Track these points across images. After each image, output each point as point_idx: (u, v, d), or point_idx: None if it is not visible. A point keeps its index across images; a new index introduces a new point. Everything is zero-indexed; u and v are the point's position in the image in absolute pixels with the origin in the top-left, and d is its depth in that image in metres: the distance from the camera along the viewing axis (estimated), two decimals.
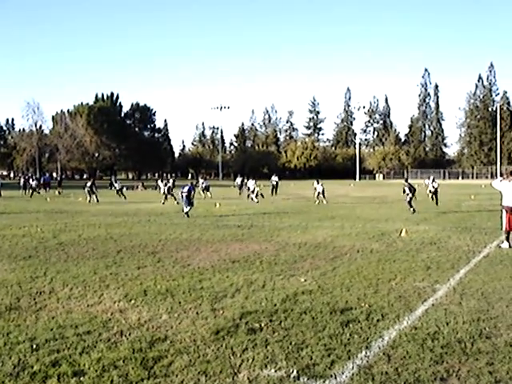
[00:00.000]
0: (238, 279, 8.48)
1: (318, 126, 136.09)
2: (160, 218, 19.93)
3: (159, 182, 38.00)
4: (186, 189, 21.02)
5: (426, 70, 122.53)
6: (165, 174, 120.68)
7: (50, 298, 7.37)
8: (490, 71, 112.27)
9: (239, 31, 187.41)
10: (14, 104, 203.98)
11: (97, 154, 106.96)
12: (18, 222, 18.48)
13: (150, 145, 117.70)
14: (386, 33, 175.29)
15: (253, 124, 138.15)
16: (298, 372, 4.63)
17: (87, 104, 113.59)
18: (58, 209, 25.94)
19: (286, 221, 18.51)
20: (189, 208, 20.60)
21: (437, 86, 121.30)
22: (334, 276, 8.71)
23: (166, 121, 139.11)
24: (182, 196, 21.00)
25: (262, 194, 31.73)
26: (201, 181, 39.72)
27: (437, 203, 26.80)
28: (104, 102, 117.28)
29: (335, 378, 4.54)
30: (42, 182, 50.22)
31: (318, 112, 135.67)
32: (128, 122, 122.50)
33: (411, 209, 21.28)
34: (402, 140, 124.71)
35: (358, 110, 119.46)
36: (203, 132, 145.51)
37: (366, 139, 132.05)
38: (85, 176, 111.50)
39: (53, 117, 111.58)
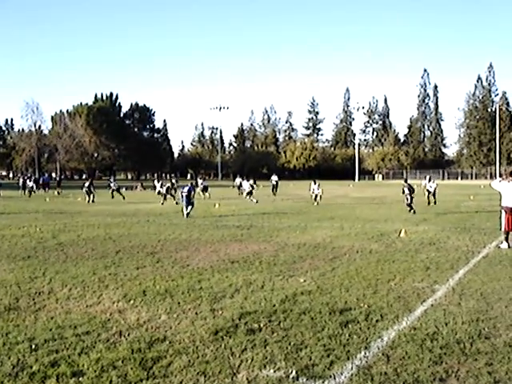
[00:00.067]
0: (237, 280, 8.48)
1: (318, 127, 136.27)
2: (159, 219, 19.92)
3: (155, 182, 38.01)
4: (186, 189, 21.05)
5: (425, 70, 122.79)
6: (164, 175, 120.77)
7: (48, 298, 7.37)
8: (490, 72, 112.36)
9: (239, 31, 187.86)
10: (13, 104, 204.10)
11: (96, 155, 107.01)
12: (17, 222, 18.47)
13: (149, 145, 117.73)
14: (386, 33, 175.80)
15: (252, 124, 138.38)
16: (297, 372, 4.63)
17: (86, 104, 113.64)
18: (57, 209, 25.93)
19: (285, 221, 18.51)
20: (190, 208, 20.62)
21: (436, 87, 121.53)
22: (333, 276, 8.71)
23: (165, 121, 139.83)
24: (182, 196, 21.01)
25: (250, 195, 31.23)
26: (200, 181, 39.72)
27: (435, 202, 26.79)
28: (103, 102, 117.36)
29: (334, 378, 4.54)
30: (41, 182, 50.19)
31: (318, 112, 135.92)
32: (127, 122, 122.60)
33: (411, 210, 21.27)
34: (402, 140, 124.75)
35: (358, 110, 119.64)
36: (202, 132, 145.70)
37: (365, 140, 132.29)
38: (84, 176, 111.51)
39: (52, 117, 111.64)
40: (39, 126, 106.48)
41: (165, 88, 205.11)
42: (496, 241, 12.66)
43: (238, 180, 42.90)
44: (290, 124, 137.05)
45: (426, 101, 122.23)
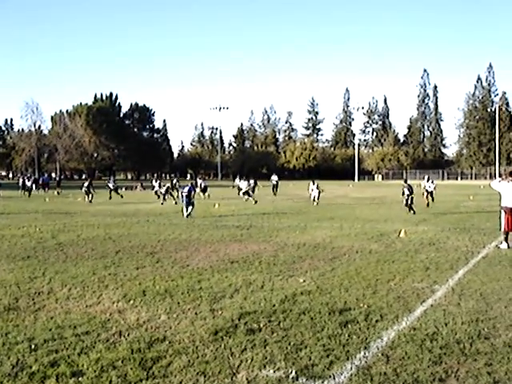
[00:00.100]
0: (237, 280, 8.48)
1: (317, 127, 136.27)
2: (159, 219, 19.92)
3: (153, 181, 38.00)
4: (186, 189, 21.07)
5: (424, 70, 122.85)
6: (163, 175, 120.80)
7: (48, 298, 7.37)
8: (489, 72, 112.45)
9: (239, 31, 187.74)
10: (13, 104, 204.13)
11: (96, 155, 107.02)
12: (17, 222, 18.46)
13: (148, 145, 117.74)
14: (386, 33, 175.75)
15: (252, 124, 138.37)
16: (296, 372, 4.63)
17: (86, 104, 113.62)
18: (56, 209, 25.93)
19: (284, 221, 18.52)
20: (191, 208, 20.64)
21: (436, 87, 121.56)
22: (332, 276, 8.71)
23: (164, 121, 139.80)
24: (183, 196, 21.01)
25: (248, 195, 31.24)
26: (199, 181, 39.73)
27: (432, 200, 26.71)
28: (103, 102, 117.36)
29: (334, 378, 4.54)
30: (40, 182, 50.17)
31: (317, 112, 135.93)
32: (127, 122, 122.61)
33: (411, 211, 21.26)
34: (401, 141, 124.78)
35: (357, 110, 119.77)
36: (202, 132, 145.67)
37: (364, 140, 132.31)
38: (84, 176, 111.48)
39: (52, 117, 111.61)
40: (39, 126, 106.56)
41: (165, 88, 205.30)
42: (495, 241, 12.67)
43: (237, 180, 42.93)
44: (290, 124, 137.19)
45: (426, 101, 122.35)
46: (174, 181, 31.44)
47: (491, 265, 9.72)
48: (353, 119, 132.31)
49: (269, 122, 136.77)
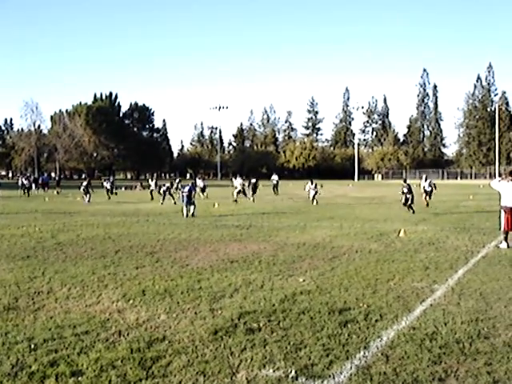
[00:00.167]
0: (237, 279, 8.48)
1: (317, 126, 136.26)
2: (158, 218, 19.92)
3: (149, 180, 37.92)
4: (186, 189, 21.09)
5: (424, 70, 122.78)
6: (163, 175, 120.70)
7: (48, 297, 7.37)
8: (489, 71, 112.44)
9: (239, 31, 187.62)
10: (12, 104, 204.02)
11: (95, 154, 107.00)
12: (17, 222, 18.46)
13: (148, 145, 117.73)
14: (386, 33, 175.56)
15: (251, 124, 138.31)
16: (296, 372, 4.63)
17: (86, 104, 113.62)
18: (56, 209, 25.92)
19: (284, 221, 18.52)
20: (193, 208, 20.66)
21: (435, 87, 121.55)
22: (332, 276, 8.71)
23: (164, 121, 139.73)
24: (183, 196, 21.01)
25: (242, 193, 31.25)
26: (199, 181, 39.71)
27: (429, 198, 26.38)
28: (102, 101, 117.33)
29: (333, 378, 4.54)
30: (40, 181, 50.17)
31: (317, 112, 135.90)
32: (126, 121, 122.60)
33: (410, 210, 21.25)
34: (401, 140, 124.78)
35: (357, 110, 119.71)
36: (202, 132, 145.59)
37: (364, 139, 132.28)
38: (83, 176, 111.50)
39: (51, 117, 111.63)
40: (38, 126, 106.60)
41: (164, 88, 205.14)
42: (495, 240, 12.67)
43: (238, 180, 42.87)
44: (290, 124, 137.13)
45: (426, 100, 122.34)
46: (177, 181, 31.25)
47: (491, 264, 9.72)
48: (352, 119, 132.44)
49: (268, 121, 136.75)
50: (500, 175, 15.92)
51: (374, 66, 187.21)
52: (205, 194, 36.34)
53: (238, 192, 31.56)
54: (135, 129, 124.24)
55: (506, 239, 11.83)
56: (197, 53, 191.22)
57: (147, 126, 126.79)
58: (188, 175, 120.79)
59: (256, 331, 5.78)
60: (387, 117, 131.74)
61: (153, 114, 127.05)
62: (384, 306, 6.75)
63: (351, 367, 4.75)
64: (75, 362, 4.91)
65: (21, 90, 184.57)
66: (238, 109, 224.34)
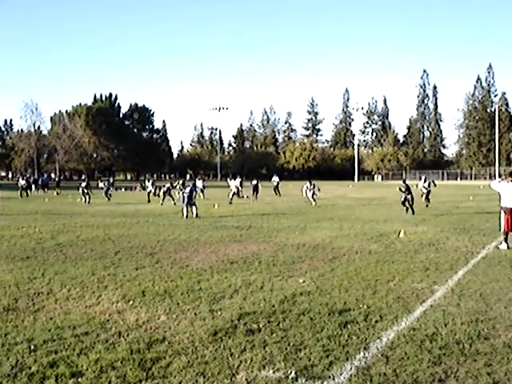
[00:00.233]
0: (237, 280, 8.47)
1: (317, 127, 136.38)
2: (158, 219, 19.92)
3: (146, 182, 37.85)
4: (187, 189, 21.12)
5: (424, 71, 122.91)
6: (163, 175, 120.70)
7: (48, 298, 7.36)
8: (489, 72, 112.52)
9: (239, 31, 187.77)
10: (12, 104, 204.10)
11: (95, 155, 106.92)
12: (16, 223, 18.46)
13: (148, 145, 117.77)
14: (386, 33, 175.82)
15: (251, 125, 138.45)
16: (296, 373, 4.63)
17: (86, 105, 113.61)
18: (56, 209, 25.93)
19: (284, 222, 18.52)
20: (195, 209, 20.66)
21: (435, 87, 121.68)
22: (332, 277, 8.71)
23: (164, 121, 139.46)
24: (184, 197, 21.01)
25: (233, 196, 31.22)
26: (198, 182, 39.71)
27: (428, 200, 26.16)
28: (102, 102, 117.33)
29: (333, 379, 4.54)
30: (40, 182, 50.17)
31: (317, 113, 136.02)
32: (126, 122, 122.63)
33: (409, 211, 21.24)
34: (401, 141, 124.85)
35: (357, 110, 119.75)
36: (202, 133, 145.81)
37: (364, 140, 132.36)
38: (83, 177, 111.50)
39: (51, 117, 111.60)
40: (38, 127, 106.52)
41: (164, 88, 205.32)
42: (495, 241, 12.66)
43: (238, 180, 42.91)
44: (290, 124, 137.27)
45: (426, 101, 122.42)
46: (181, 182, 31.07)
47: (491, 265, 9.71)
48: (352, 119, 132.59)
49: (268, 122, 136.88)
50: (500, 176, 15.92)
51: (373, 66, 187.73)
52: (203, 195, 36.33)
53: (234, 194, 31.57)
54: (135, 130, 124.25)
55: (505, 240, 11.83)
56: (197, 53, 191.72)
57: (147, 127, 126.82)
58: (188, 176, 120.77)
59: (256, 332, 5.77)
60: (387, 117, 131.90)
61: (153, 114, 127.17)
62: (384, 307, 6.75)
63: (351, 368, 4.75)
64: (75, 362, 4.90)
65: (21, 91, 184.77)
66: (238, 110, 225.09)
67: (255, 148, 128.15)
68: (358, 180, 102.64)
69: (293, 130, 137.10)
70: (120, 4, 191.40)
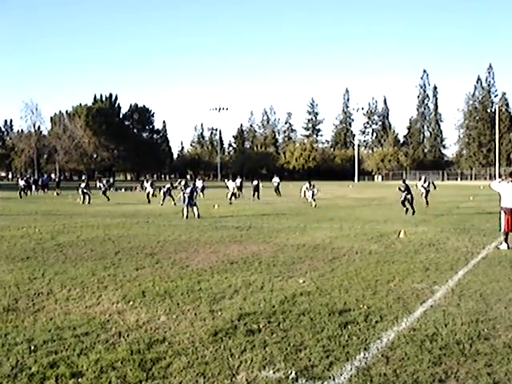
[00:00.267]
0: (237, 280, 8.47)
1: (317, 127, 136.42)
2: (158, 219, 19.92)
3: (145, 182, 37.80)
4: (188, 190, 21.11)
5: (424, 71, 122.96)
6: (163, 176, 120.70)
7: (48, 299, 7.36)
8: (489, 72, 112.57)
9: (239, 31, 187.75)
10: (12, 105, 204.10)
11: (95, 155, 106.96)
12: (16, 223, 18.45)
13: (148, 146, 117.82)
14: (386, 33, 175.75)
15: (251, 125, 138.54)
16: (296, 373, 4.62)
17: (86, 105, 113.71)
18: (56, 210, 25.93)
19: (284, 222, 18.51)
20: (196, 209, 20.66)
21: (435, 88, 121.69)
22: (332, 277, 8.71)
23: (164, 122, 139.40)
24: (185, 197, 21.01)
25: (231, 197, 31.25)
26: (198, 182, 39.74)
27: (426, 202, 26.09)
28: (102, 103, 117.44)
29: (333, 379, 4.54)
30: (40, 183, 50.18)
31: (317, 113, 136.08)
32: (126, 123, 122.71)
33: (408, 211, 21.24)
34: (401, 141, 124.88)
35: (357, 111, 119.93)
36: (202, 133, 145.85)
37: (364, 140, 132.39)
38: (83, 177, 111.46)
39: (51, 118, 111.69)
40: (38, 127, 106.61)
41: (164, 88, 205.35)
42: (495, 242, 12.66)
43: (238, 180, 42.94)
44: (290, 125, 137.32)
45: (426, 102, 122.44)
46: (183, 182, 31.10)
47: (491, 265, 9.71)
48: (352, 120, 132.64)
49: (268, 122, 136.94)
50: (500, 176, 15.92)
51: (374, 66, 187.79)
52: (203, 195, 36.37)
53: (232, 194, 31.60)
54: (135, 130, 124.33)
55: (506, 240, 11.83)
56: (197, 53, 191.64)
57: (147, 127, 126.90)
58: (188, 176, 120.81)
59: (256, 332, 5.77)
60: (387, 118, 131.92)
61: (153, 115, 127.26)
62: (384, 307, 6.75)
63: (351, 368, 4.74)
64: (75, 363, 4.90)
65: (21, 91, 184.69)
66: (238, 110, 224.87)
67: (255, 148, 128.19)
68: (358, 180, 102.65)
69: (293, 131, 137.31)
70: (120, 4, 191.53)
